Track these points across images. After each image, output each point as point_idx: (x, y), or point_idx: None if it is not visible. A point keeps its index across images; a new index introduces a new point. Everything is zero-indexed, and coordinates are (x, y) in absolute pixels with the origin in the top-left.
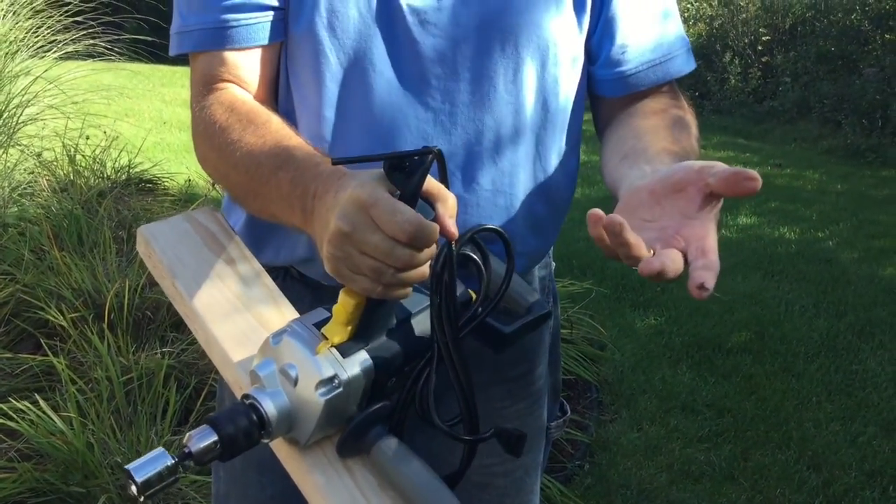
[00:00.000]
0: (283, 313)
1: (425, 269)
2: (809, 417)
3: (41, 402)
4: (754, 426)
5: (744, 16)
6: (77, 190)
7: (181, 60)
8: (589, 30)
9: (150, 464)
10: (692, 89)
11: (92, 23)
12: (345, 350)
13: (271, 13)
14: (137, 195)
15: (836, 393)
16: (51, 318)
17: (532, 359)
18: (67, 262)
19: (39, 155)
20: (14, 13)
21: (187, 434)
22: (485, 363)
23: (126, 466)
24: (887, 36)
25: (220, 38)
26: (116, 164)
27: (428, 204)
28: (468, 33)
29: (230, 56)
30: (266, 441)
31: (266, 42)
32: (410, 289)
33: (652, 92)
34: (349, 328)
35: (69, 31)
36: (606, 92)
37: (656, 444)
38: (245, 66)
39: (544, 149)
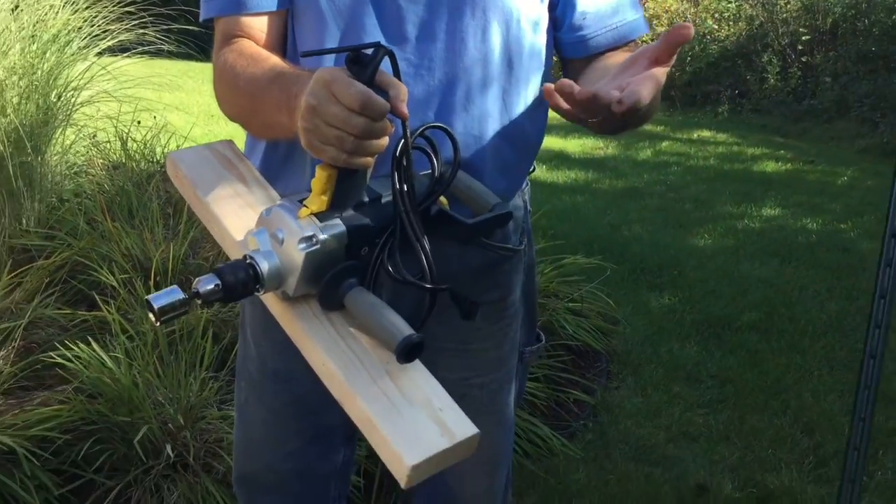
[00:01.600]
0: None
1: (382, 142)
2: (809, 388)
3: (94, 345)
4: (754, 395)
5: (784, 15)
6: (128, 170)
7: None
8: (552, 0)
9: (166, 296)
10: (731, 88)
11: (143, 13)
12: (322, 217)
13: None
14: None
15: (838, 368)
16: (103, 279)
17: (505, 286)
18: (119, 230)
19: (94, 136)
20: (73, 3)
21: (196, 279)
22: (463, 290)
23: (146, 297)
24: None
25: (236, 5)
26: (165, 150)
27: (383, 92)
28: (443, 1)
29: (245, 19)
30: (260, 293)
31: (275, 8)
32: (371, 159)
33: (611, 52)
34: (325, 198)
35: (122, 21)
36: (571, 54)
37: (658, 408)
38: (257, 27)
39: (510, 100)
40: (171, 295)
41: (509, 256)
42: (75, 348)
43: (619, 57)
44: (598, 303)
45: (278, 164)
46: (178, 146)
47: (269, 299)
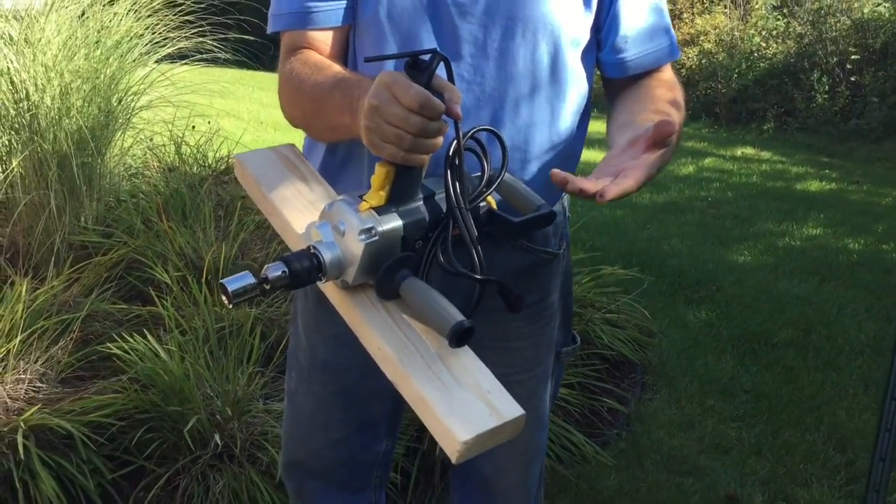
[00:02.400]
0: None
1: (437, 141)
2: (843, 406)
3: (149, 337)
4: (788, 410)
5: (833, 34)
6: (182, 173)
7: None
8: (597, 23)
9: (238, 280)
10: (778, 106)
11: (202, 22)
12: (380, 210)
13: (343, 2)
14: (234, 182)
15: (873, 387)
16: (157, 276)
17: (545, 288)
18: (173, 230)
19: (151, 139)
20: (135, 11)
21: (266, 266)
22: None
23: (221, 281)
24: None
25: (303, 20)
26: (217, 155)
27: (438, 95)
28: (497, 22)
29: (311, 34)
30: (322, 281)
31: (339, 24)
32: (427, 157)
33: (647, 74)
34: (383, 193)
35: (182, 29)
36: (611, 73)
37: (691, 420)
38: (321, 40)
39: (555, 114)
40: (243, 279)
41: (549, 260)
42: (131, 340)
43: (652, 83)
44: (634, 314)
45: (336, 167)
46: (229, 151)
47: (329, 288)
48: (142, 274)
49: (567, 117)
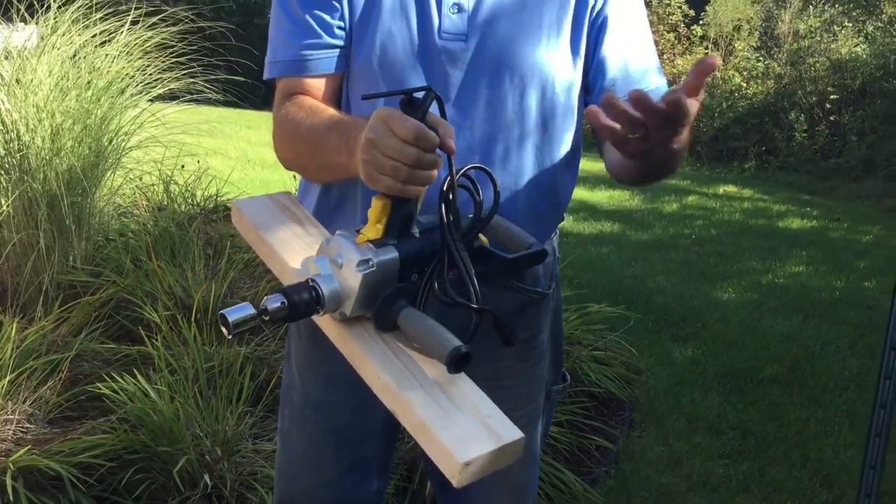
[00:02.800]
0: None
1: (432, 174)
2: (829, 443)
3: (139, 377)
4: (774, 447)
5: (812, 74)
6: (171, 212)
7: (265, 106)
8: (585, 67)
9: (238, 311)
10: (758, 145)
11: (193, 64)
12: (377, 243)
13: (337, 50)
14: (223, 221)
15: (858, 423)
16: (146, 315)
17: (535, 327)
18: (162, 269)
19: (140, 178)
20: (128, 53)
21: (265, 297)
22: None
23: (221, 312)
24: None
25: (299, 67)
26: (205, 193)
27: (432, 129)
28: (486, 69)
29: (306, 80)
30: (320, 314)
31: (332, 71)
32: (422, 189)
33: None
34: (380, 226)
35: (172, 71)
36: None
37: (679, 458)
38: (315, 86)
39: (544, 157)
40: (243, 310)
41: (539, 299)
42: (120, 380)
43: None
44: (621, 352)
45: (331, 209)
46: (217, 190)
47: (326, 322)
48: (131, 313)
49: (557, 160)
